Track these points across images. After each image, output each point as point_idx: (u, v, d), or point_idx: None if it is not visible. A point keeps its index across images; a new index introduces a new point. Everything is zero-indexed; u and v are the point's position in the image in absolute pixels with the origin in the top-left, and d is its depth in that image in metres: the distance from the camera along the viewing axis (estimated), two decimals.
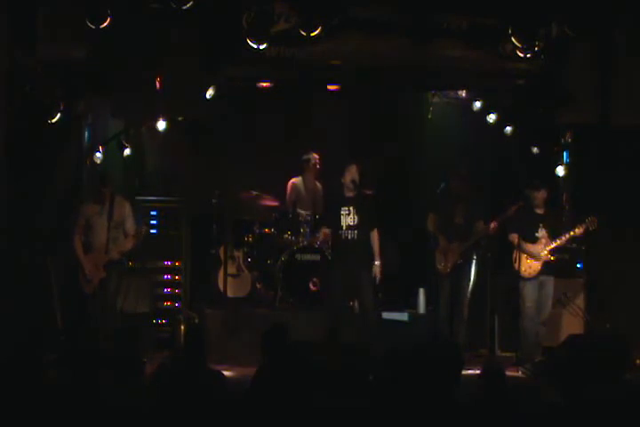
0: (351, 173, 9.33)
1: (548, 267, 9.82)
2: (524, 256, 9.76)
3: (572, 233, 9.77)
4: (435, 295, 10.20)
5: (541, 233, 9.84)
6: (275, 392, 5.72)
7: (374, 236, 9.42)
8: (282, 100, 11.18)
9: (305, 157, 11.03)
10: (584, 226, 9.72)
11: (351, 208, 9.34)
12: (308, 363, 8.28)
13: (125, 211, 9.56)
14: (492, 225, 9.91)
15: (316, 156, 11.02)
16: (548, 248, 9.79)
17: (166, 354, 9.88)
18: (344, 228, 9.33)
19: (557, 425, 5.48)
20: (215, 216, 10.56)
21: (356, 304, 9.71)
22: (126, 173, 10.92)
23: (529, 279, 9.78)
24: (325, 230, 9.56)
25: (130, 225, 9.56)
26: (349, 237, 9.32)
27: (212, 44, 9.17)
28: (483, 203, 10.23)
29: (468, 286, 10.16)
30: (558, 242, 9.80)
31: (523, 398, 5.85)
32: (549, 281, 9.88)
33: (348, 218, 9.30)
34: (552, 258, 9.79)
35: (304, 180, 11.11)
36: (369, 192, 9.92)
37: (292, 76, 10.24)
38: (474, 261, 10.21)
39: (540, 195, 9.84)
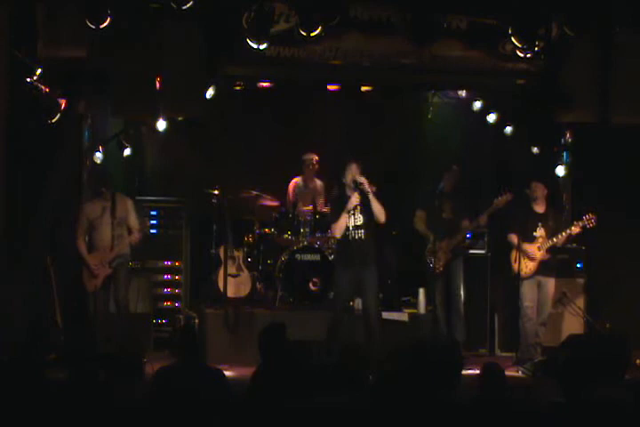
0: (352, 172, 9.29)
1: (546, 267, 9.81)
2: (522, 256, 9.77)
3: (568, 231, 9.77)
4: (432, 295, 10.20)
5: (539, 232, 9.83)
6: (274, 392, 5.72)
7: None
8: (282, 100, 11.18)
9: (303, 157, 11.04)
10: (581, 224, 9.73)
11: (355, 208, 9.27)
12: (308, 362, 8.30)
13: (127, 207, 9.63)
14: (481, 218, 9.91)
15: (314, 156, 11.02)
16: (545, 247, 9.78)
17: (166, 354, 9.89)
18: (350, 228, 9.23)
19: (557, 425, 5.48)
20: (215, 216, 10.55)
21: (359, 304, 9.68)
22: (126, 173, 10.93)
23: (526, 279, 9.78)
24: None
25: (133, 220, 9.63)
26: (357, 237, 9.20)
27: (212, 44, 9.17)
28: (469, 200, 10.22)
29: (460, 284, 10.17)
30: (555, 240, 9.79)
31: (523, 398, 5.85)
32: (549, 281, 9.87)
33: (353, 218, 9.22)
34: (548, 257, 9.79)
35: (304, 179, 11.13)
36: (373, 189, 9.91)
37: (292, 76, 10.24)
38: (461, 259, 10.22)
39: (537, 189, 9.81)
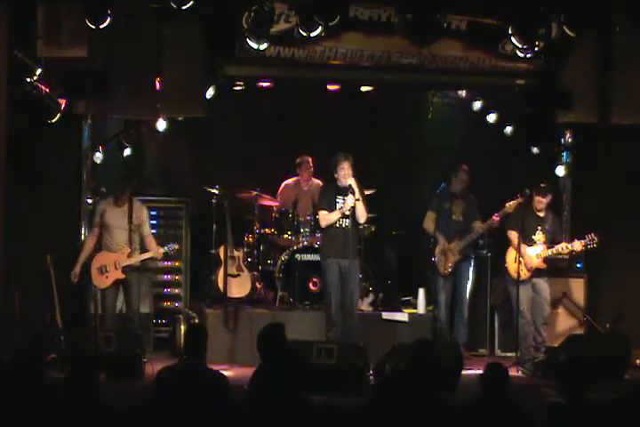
0: (344, 170, 9.38)
1: (540, 270, 9.79)
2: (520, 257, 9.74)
3: (570, 248, 9.74)
4: (434, 296, 10.19)
5: (538, 237, 9.81)
6: (273, 392, 5.71)
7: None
8: (282, 100, 11.18)
9: (298, 160, 11.02)
10: (583, 243, 9.69)
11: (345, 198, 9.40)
12: (308, 362, 8.30)
13: (143, 215, 9.70)
14: (495, 218, 9.91)
15: (308, 158, 10.99)
16: (543, 255, 9.75)
17: (166, 354, 9.89)
18: None
19: (558, 425, 5.48)
20: (215, 216, 10.55)
21: (360, 304, 9.75)
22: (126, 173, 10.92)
23: (522, 282, 9.74)
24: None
25: (147, 230, 9.69)
26: (344, 225, 9.40)
27: (212, 44, 9.18)
28: (477, 202, 10.24)
29: (467, 286, 10.18)
30: (554, 252, 9.77)
31: (523, 398, 5.85)
32: (543, 282, 9.84)
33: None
34: (544, 265, 9.78)
35: (300, 182, 11.09)
36: (368, 192, 9.95)
37: (292, 76, 10.24)
38: (472, 261, 10.24)
39: (546, 200, 9.81)
